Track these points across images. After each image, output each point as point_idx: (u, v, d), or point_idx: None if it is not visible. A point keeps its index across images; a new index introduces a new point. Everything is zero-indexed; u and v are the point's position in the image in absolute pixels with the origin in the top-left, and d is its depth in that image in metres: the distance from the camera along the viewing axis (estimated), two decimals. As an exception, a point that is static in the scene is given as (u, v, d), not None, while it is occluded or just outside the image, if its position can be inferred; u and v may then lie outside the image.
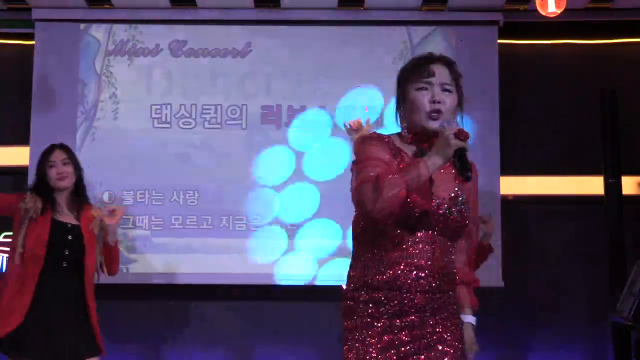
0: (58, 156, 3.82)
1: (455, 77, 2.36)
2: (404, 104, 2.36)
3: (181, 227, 5.59)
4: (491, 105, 5.59)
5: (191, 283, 5.55)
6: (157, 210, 5.60)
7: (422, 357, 2.24)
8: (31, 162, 5.46)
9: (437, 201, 2.28)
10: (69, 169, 3.80)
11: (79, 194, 3.84)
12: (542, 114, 5.84)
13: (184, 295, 5.60)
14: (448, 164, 2.23)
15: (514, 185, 5.72)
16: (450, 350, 2.26)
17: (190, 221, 5.60)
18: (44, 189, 3.79)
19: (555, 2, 4.90)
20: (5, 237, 5.56)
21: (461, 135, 2.18)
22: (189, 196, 5.62)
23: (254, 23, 5.75)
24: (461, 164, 2.19)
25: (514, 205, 5.73)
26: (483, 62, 5.61)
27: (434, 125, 2.28)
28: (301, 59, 5.70)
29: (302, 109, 5.68)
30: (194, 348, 5.59)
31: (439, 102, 2.29)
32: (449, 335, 2.29)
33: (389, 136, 2.36)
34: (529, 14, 5.67)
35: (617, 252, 5.20)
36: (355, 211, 2.36)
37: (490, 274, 5.06)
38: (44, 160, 3.83)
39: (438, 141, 2.21)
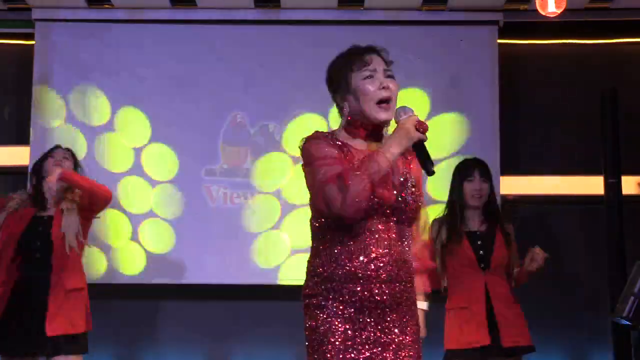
0: (59, 153, 4.16)
1: (390, 64, 2.35)
2: (348, 95, 2.31)
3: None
4: (491, 105, 5.56)
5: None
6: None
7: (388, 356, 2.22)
8: (31, 162, 5.46)
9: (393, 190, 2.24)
10: (67, 163, 4.09)
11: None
12: (542, 114, 5.83)
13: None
14: None
15: (514, 185, 5.71)
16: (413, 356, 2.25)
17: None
18: (37, 182, 4.11)
19: (555, 2, 4.90)
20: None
21: (421, 127, 2.14)
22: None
23: (254, 23, 5.74)
24: (423, 158, 2.14)
25: (514, 205, 5.73)
26: (483, 62, 5.58)
27: (384, 116, 2.26)
28: (301, 59, 5.66)
29: (301, 111, 5.64)
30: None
31: (387, 88, 2.27)
32: (409, 339, 2.26)
33: (330, 133, 2.32)
34: (529, 14, 5.66)
35: (617, 252, 5.20)
36: (313, 212, 2.30)
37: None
38: (44, 155, 4.19)
39: (397, 131, 2.16)
